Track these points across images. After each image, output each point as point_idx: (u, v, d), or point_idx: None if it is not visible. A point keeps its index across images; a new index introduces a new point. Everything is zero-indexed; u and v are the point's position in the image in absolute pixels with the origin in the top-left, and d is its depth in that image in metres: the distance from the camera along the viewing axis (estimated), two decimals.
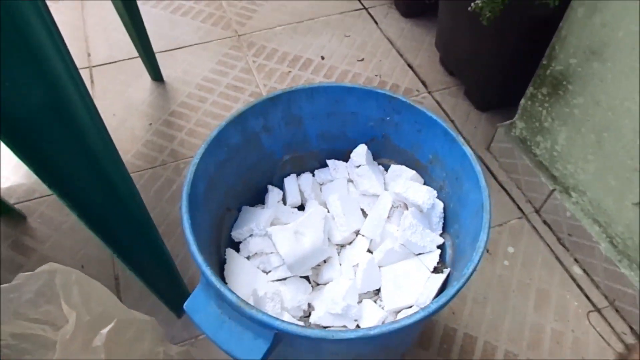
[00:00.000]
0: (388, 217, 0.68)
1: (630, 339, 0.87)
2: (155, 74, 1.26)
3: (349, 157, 0.75)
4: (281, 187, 0.76)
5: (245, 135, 0.66)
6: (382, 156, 0.74)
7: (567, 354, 0.85)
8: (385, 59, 1.34)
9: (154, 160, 1.12)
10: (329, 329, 0.60)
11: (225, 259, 0.68)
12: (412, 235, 0.63)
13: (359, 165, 0.71)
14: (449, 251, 0.65)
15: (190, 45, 1.37)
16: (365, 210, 0.72)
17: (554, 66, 0.91)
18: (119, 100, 1.24)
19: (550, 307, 0.91)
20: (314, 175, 0.77)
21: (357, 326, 0.61)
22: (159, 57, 1.28)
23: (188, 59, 1.34)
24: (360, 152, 0.71)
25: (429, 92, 1.26)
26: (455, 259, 0.63)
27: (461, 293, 0.60)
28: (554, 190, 0.98)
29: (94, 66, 1.31)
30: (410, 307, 0.61)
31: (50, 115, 0.48)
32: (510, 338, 0.87)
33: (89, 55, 1.34)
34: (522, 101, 1.02)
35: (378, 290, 0.65)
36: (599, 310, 0.90)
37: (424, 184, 0.70)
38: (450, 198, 0.66)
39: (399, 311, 0.62)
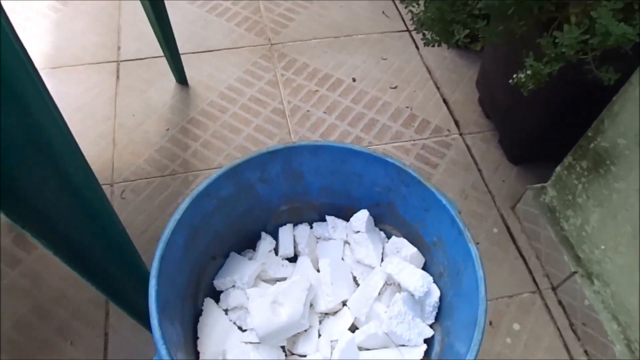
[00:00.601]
0: (379, 294, 0.62)
1: None
2: (180, 77, 1.23)
3: (350, 215, 0.69)
4: (275, 235, 0.72)
5: (239, 185, 0.61)
6: (386, 222, 0.68)
7: None
8: (420, 89, 1.27)
9: (165, 169, 1.09)
10: None
11: (202, 309, 0.64)
12: (398, 325, 0.57)
13: (358, 232, 0.66)
14: (436, 347, 0.59)
15: (220, 50, 1.33)
16: (357, 278, 0.66)
17: (599, 141, 0.82)
18: (140, 99, 1.21)
19: None
20: (311, 227, 0.72)
21: None
22: (186, 58, 1.25)
23: (215, 64, 1.30)
24: (361, 218, 0.66)
25: (461, 134, 1.18)
26: (442, 356, 0.57)
27: None
28: (575, 272, 0.90)
29: (121, 61, 1.29)
30: None
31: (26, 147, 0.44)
32: None
33: (119, 48, 1.32)
34: (558, 169, 0.93)
35: None
36: None
37: (425, 264, 0.64)
38: (448, 288, 0.60)
39: None
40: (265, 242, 0.70)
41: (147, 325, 0.79)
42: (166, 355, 0.45)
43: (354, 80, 1.28)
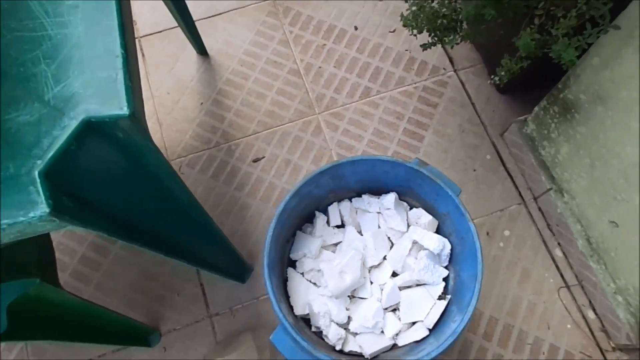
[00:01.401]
0: (409, 252, 0.89)
1: (588, 311, 1.13)
2: (200, 48, 1.36)
3: (379, 192, 0.94)
4: (325, 211, 0.97)
5: (301, 195, 0.84)
6: (407, 196, 0.92)
7: (536, 320, 1.13)
8: None
9: (209, 142, 1.29)
10: (356, 355, 0.86)
11: (286, 277, 0.92)
12: (425, 274, 0.85)
13: (389, 208, 0.90)
14: (451, 282, 0.88)
15: (228, 11, 1.43)
16: (391, 239, 0.93)
17: (566, 93, 1.02)
18: (170, 76, 1.36)
19: (530, 283, 1.16)
20: (351, 202, 0.97)
21: (382, 332, 0.87)
22: (200, 25, 1.35)
23: (228, 28, 1.41)
24: (390, 199, 0.90)
25: (455, 71, 1.35)
26: (456, 289, 0.86)
27: None
28: (550, 188, 1.16)
29: (141, 37, 1.41)
30: (420, 322, 0.87)
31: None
32: (495, 307, 1.14)
33: (135, 23, 1.42)
34: (536, 109, 1.14)
35: (397, 304, 0.90)
36: (568, 287, 1.15)
37: (438, 227, 0.90)
38: (456, 244, 0.87)
39: (413, 323, 0.88)
40: (320, 219, 0.95)
41: (231, 276, 1.08)
42: (288, 326, 0.73)
43: (355, 28, 1.40)
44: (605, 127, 0.94)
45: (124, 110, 0.52)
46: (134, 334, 1.07)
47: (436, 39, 0.90)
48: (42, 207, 0.48)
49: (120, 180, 0.61)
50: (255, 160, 1.28)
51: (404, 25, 0.90)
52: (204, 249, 0.91)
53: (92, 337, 0.95)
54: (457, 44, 0.89)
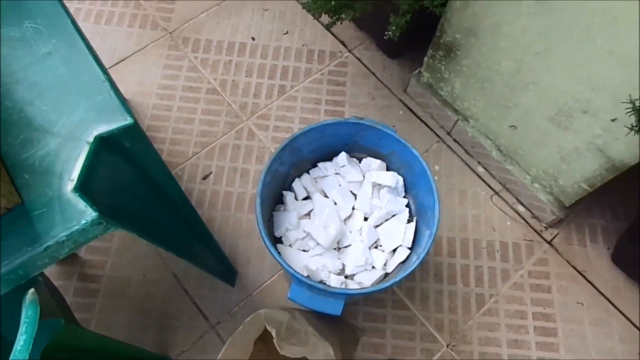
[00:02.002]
0: (371, 195, 1.05)
1: (518, 206, 1.36)
2: None
3: (330, 158, 1.08)
4: (291, 189, 1.09)
5: (271, 174, 0.96)
6: (355, 151, 1.08)
7: (483, 227, 1.34)
8: (305, 26, 1.58)
9: None
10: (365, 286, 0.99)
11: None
12: (390, 205, 1.01)
13: (343, 165, 1.05)
14: (413, 207, 1.05)
15: (131, 55, 1.50)
16: (353, 191, 1.07)
17: (445, 37, 1.24)
18: None
19: (468, 200, 1.37)
20: (309, 174, 1.10)
21: (373, 267, 1.01)
22: None
23: (135, 70, 1.48)
24: (342, 158, 1.05)
25: (349, 51, 1.55)
26: (418, 210, 1.03)
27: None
28: (457, 119, 1.39)
29: None
30: (400, 246, 1.02)
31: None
32: (449, 229, 1.33)
33: None
34: (426, 59, 1.36)
35: (377, 241, 1.04)
36: (497, 193, 1.38)
37: (387, 167, 1.07)
38: (406, 174, 1.04)
39: (394, 249, 1.03)
40: (289, 196, 1.07)
41: (222, 278, 1.16)
42: (303, 278, 0.85)
43: (253, 39, 1.55)
44: (481, 53, 1.18)
45: (128, 120, 0.62)
46: None
47: (335, 16, 1.07)
48: (91, 213, 0.56)
49: (130, 185, 0.69)
50: (205, 177, 1.36)
51: (306, 10, 1.06)
52: (198, 247, 0.99)
53: None
54: (353, 19, 1.07)
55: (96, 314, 1.21)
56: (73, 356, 0.86)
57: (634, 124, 0.89)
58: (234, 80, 1.48)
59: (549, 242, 1.33)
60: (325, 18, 1.14)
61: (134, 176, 0.68)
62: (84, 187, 0.58)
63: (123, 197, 0.68)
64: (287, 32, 1.56)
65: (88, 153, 0.59)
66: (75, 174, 0.58)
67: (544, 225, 1.35)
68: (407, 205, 1.05)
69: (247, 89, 1.47)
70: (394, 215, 1.04)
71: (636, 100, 0.87)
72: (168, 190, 0.78)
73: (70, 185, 0.57)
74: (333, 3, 1.03)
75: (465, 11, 1.13)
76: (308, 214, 1.07)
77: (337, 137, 1.03)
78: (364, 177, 1.06)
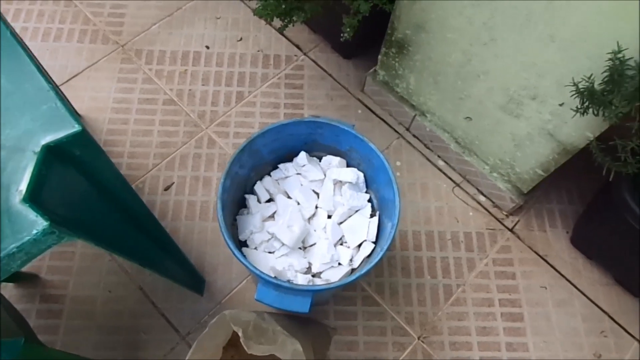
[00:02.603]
0: (333, 192, 1.05)
1: (479, 196, 1.40)
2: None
3: (290, 159, 1.08)
4: (253, 193, 1.09)
5: (231, 177, 0.96)
6: (315, 150, 1.09)
7: (446, 219, 1.37)
8: (259, 32, 1.58)
9: None
10: (331, 281, 0.99)
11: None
12: (352, 201, 1.02)
13: (304, 165, 1.06)
14: (375, 201, 1.06)
15: (83, 71, 1.47)
16: (315, 190, 1.08)
17: (396, 34, 1.27)
18: None
19: (431, 194, 1.40)
20: (270, 176, 1.10)
21: (339, 263, 1.02)
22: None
23: (89, 86, 1.45)
24: (302, 157, 1.05)
25: (305, 54, 1.56)
26: (380, 205, 1.04)
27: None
28: (415, 115, 1.41)
29: None
30: (365, 240, 1.03)
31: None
32: (413, 222, 1.35)
33: None
34: (380, 56, 1.38)
35: (342, 238, 1.05)
36: (458, 185, 1.41)
37: (347, 164, 1.08)
38: (366, 169, 1.05)
39: (359, 245, 1.04)
40: (251, 199, 1.07)
41: (189, 286, 1.15)
42: (269, 278, 0.84)
43: (207, 47, 1.54)
44: (432, 47, 1.21)
45: (76, 127, 0.60)
46: None
47: (287, 19, 1.08)
48: (42, 223, 0.54)
49: (86, 195, 0.67)
50: (167, 188, 1.34)
51: (258, 16, 1.06)
52: (162, 256, 0.98)
53: None
54: (304, 21, 1.08)
55: (61, 335, 1.17)
56: None
57: (579, 107, 0.93)
58: (190, 90, 1.47)
59: (511, 230, 1.37)
60: (277, 22, 1.14)
61: (88, 186, 0.67)
62: (34, 198, 0.56)
63: (78, 206, 0.66)
64: (241, 39, 1.56)
65: (36, 163, 0.58)
66: (23, 184, 0.56)
67: (505, 213, 1.39)
68: (370, 200, 1.06)
69: (204, 97, 1.47)
70: (357, 211, 1.05)
71: (579, 82, 0.91)
72: (125, 199, 0.77)
73: (18, 196, 0.56)
74: (283, 7, 1.04)
75: (413, 7, 1.16)
76: (272, 216, 1.07)
77: (296, 136, 1.03)
78: (325, 175, 1.07)
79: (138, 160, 1.37)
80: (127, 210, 0.79)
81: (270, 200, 1.09)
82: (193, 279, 1.17)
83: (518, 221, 1.38)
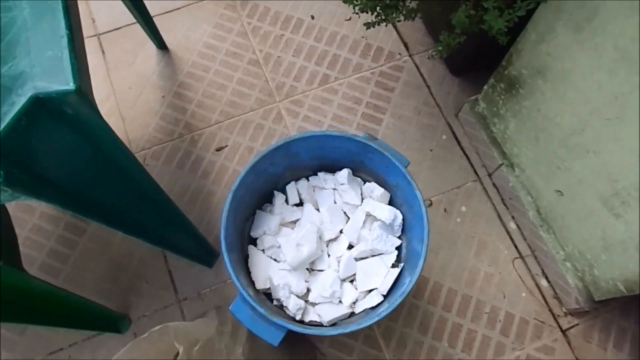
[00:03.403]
0: (363, 224, 0.93)
1: (541, 279, 1.19)
2: (159, 43, 1.38)
3: (334, 169, 0.97)
4: (283, 191, 1.00)
5: (256, 172, 0.88)
6: (361, 172, 0.96)
7: (493, 289, 1.18)
8: None
9: (172, 133, 1.32)
10: (319, 326, 0.89)
11: (247, 253, 0.95)
12: (378, 243, 0.89)
13: (342, 184, 0.94)
14: (404, 251, 0.92)
15: (186, 6, 1.45)
16: (347, 213, 0.97)
17: (510, 70, 1.07)
18: (130, 71, 1.38)
19: (486, 255, 1.21)
20: (308, 180, 1.00)
21: (340, 301, 0.91)
22: (158, 20, 1.37)
23: (186, 22, 1.43)
24: (343, 175, 0.94)
25: (410, 55, 1.40)
26: (408, 257, 0.91)
27: None
28: (502, 164, 1.21)
29: (100, 34, 1.42)
30: (376, 289, 0.91)
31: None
32: (453, 279, 1.19)
33: (93, 21, 1.43)
34: (485, 87, 1.19)
35: (354, 275, 0.94)
36: (522, 258, 1.21)
37: (390, 199, 0.94)
38: (407, 213, 0.91)
39: (369, 291, 0.92)
40: (279, 198, 0.99)
41: (198, 260, 1.11)
42: (247, 296, 0.76)
43: (312, 18, 1.44)
44: (545, 99, 1.00)
45: (70, 86, 0.55)
46: (102, 320, 1.08)
47: (380, 17, 0.94)
48: None
49: (73, 156, 0.63)
50: (219, 149, 1.30)
51: (346, 2, 0.93)
52: (165, 229, 0.94)
53: (58, 321, 0.96)
54: (399, 21, 0.94)
55: (77, 253, 1.21)
56: (13, 299, 0.85)
57: None
58: (279, 57, 1.39)
59: (563, 331, 1.15)
60: (367, 17, 0.99)
61: (77, 146, 0.62)
62: (3, 148, 0.52)
63: (63, 167, 0.63)
64: (350, 19, 1.44)
65: (17, 111, 0.53)
66: None
67: (565, 310, 1.17)
68: (399, 248, 0.93)
69: (289, 69, 1.38)
70: (380, 254, 0.93)
71: None
72: (120, 162, 0.72)
73: None
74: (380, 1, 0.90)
75: (539, 46, 0.96)
76: (293, 223, 0.98)
77: (343, 151, 0.92)
78: (362, 202, 0.95)
79: (204, 111, 1.34)
80: (129, 180, 0.74)
81: (300, 204, 1.00)
82: (202, 250, 1.13)
83: (576, 325, 1.15)
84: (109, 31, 1.42)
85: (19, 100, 0.54)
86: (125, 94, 1.36)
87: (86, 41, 1.40)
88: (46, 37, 0.57)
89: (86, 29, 1.42)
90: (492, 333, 1.15)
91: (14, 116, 0.53)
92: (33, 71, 0.56)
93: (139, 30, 1.38)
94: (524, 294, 1.18)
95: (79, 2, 1.43)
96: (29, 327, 1.14)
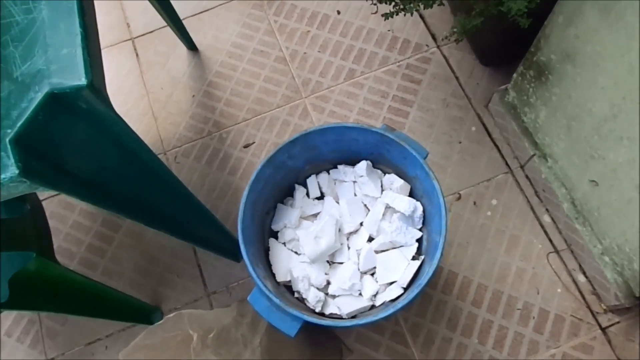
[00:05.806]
0: (383, 215, 0.92)
1: (578, 275, 1.13)
2: (189, 44, 1.42)
3: (354, 161, 0.97)
4: (304, 184, 1.00)
5: (274, 165, 0.88)
6: (380, 163, 0.95)
7: (525, 285, 1.14)
8: None
9: (202, 131, 1.35)
10: (336, 317, 0.89)
11: (268, 247, 0.96)
12: (398, 235, 0.88)
13: (362, 176, 0.94)
14: (424, 243, 0.90)
15: (215, 7, 1.49)
16: (367, 205, 0.96)
17: (539, 56, 1.03)
18: (163, 72, 1.43)
19: (519, 250, 1.17)
20: (328, 174, 1.00)
21: (360, 294, 0.91)
22: (188, 22, 1.42)
23: (215, 23, 1.47)
24: (362, 167, 0.93)
25: (438, 47, 1.37)
26: (428, 249, 0.89)
27: (449, 240, 0.85)
28: (534, 154, 1.17)
29: (135, 38, 1.48)
30: (395, 282, 0.89)
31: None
32: (483, 274, 1.15)
33: (128, 25, 1.49)
34: (515, 75, 1.15)
35: (374, 268, 0.93)
36: (557, 252, 1.16)
37: (411, 190, 0.93)
38: (427, 205, 0.89)
39: (389, 284, 0.90)
40: (299, 191, 0.99)
41: (226, 254, 1.13)
42: (264, 287, 0.77)
43: (338, 13, 1.44)
44: (576, 85, 0.95)
45: (82, 81, 0.58)
46: (135, 312, 1.13)
47: (398, 7, 0.93)
48: (12, 169, 0.54)
49: (91, 149, 0.66)
50: (246, 146, 1.33)
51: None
52: (189, 223, 0.96)
53: (95, 312, 1.01)
54: (417, 10, 0.92)
55: (113, 247, 1.26)
56: (48, 289, 0.90)
57: None
58: (305, 53, 1.40)
59: (603, 329, 1.09)
60: (385, 7, 0.97)
61: (92, 138, 0.65)
62: (22, 141, 0.56)
63: (81, 159, 0.66)
64: (376, 12, 1.42)
65: (35, 107, 0.57)
66: (16, 124, 0.56)
67: (604, 307, 1.11)
68: (420, 240, 0.91)
69: (315, 65, 1.39)
70: (400, 246, 0.91)
71: None
72: (137, 154, 0.75)
73: (6, 134, 0.55)
74: None
75: (567, 30, 0.92)
76: (314, 216, 0.99)
77: (362, 143, 0.91)
78: (382, 193, 0.94)
79: (232, 110, 1.37)
80: (147, 172, 0.77)
81: (321, 198, 1.00)
82: (229, 244, 1.15)
83: (617, 323, 1.09)
84: (142, 35, 1.48)
85: (36, 97, 0.57)
86: (157, 95, 1.41)
87: (121, 45, 1.47)
88: (62, 36, 0.61)
89: (122, 33, 1.49)
90: (525, 330, 1.10)
91: (32, 111, 0.57)
92: (49, 68, 0.59)
93: (170, 33, 1.43)
94: (559, 290, 1.13)
95: (113, 8, 1.51)
96: (69, 318, 1.21)
